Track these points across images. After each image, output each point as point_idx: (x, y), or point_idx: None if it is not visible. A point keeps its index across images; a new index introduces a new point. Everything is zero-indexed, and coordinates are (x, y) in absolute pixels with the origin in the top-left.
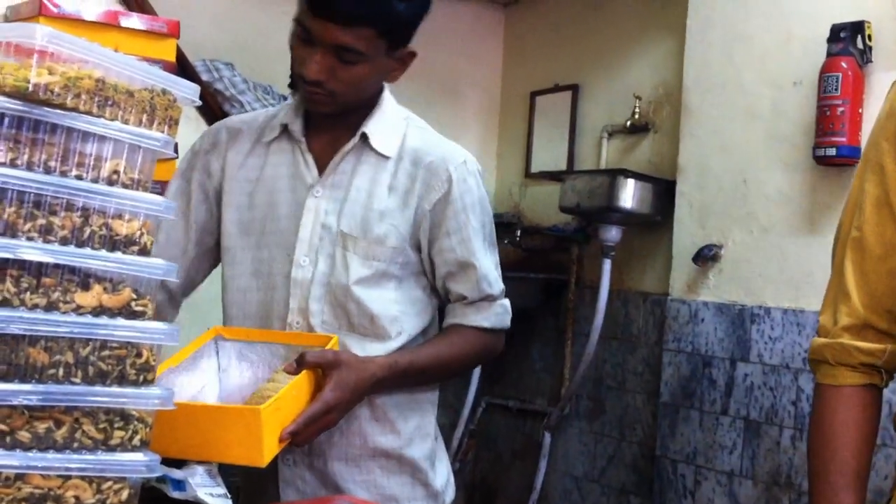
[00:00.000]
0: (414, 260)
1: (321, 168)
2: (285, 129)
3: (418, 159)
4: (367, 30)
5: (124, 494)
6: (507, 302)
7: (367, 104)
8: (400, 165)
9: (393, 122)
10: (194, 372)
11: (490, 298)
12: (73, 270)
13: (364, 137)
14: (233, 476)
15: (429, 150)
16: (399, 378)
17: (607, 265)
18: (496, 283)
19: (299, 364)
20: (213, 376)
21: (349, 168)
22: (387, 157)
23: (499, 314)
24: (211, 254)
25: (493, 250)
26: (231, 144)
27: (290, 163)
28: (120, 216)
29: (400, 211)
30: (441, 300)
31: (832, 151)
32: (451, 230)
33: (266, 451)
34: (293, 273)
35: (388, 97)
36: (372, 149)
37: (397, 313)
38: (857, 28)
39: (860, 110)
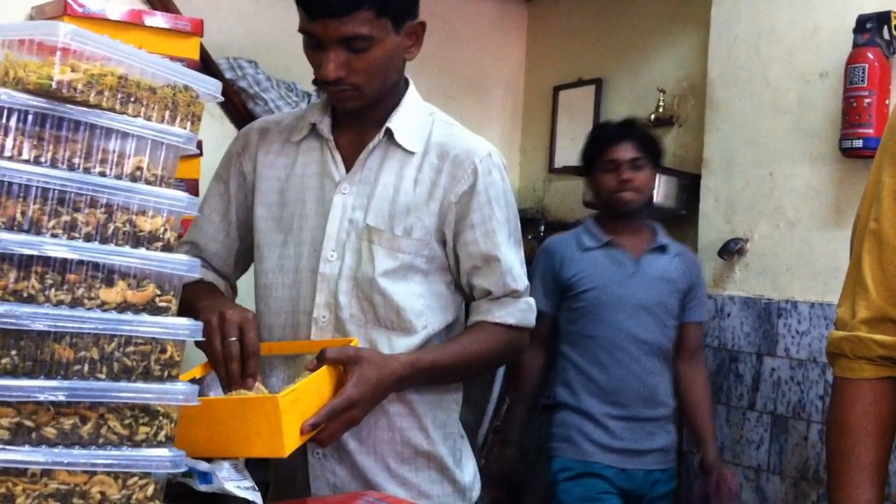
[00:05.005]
0: (440, 254)
1: (348, 165)
2: (314, 128)
3: (444, 153)
4: (364, 13)
5: (150, 490)
6: (532, 300)
7: (392, 98)
8: (425, 159)
9: (418, 118)
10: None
11: (515, 294)
12: (97, 267)
13: (389, 133)
14: (262, 471)
15: (454, 143)
16: (422, 375)
17: None
18: (521, 279)
19: (320, 360)
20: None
21: (375, 164)
22: (412, 153)
23: (523, 311)
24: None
25: (517, 247)
26: (261, 145)
27: (318, 161)
28: (143, 212)
29: (425, 204)
30: (465, 297)
31: (859, 143)
32: (475, 222)
33: (287, 441)
34: (321, 268)
35: (412, 93)
36: (397, 144)
37: (422, 307)
38: (884, 18)
39: (887, 101)
